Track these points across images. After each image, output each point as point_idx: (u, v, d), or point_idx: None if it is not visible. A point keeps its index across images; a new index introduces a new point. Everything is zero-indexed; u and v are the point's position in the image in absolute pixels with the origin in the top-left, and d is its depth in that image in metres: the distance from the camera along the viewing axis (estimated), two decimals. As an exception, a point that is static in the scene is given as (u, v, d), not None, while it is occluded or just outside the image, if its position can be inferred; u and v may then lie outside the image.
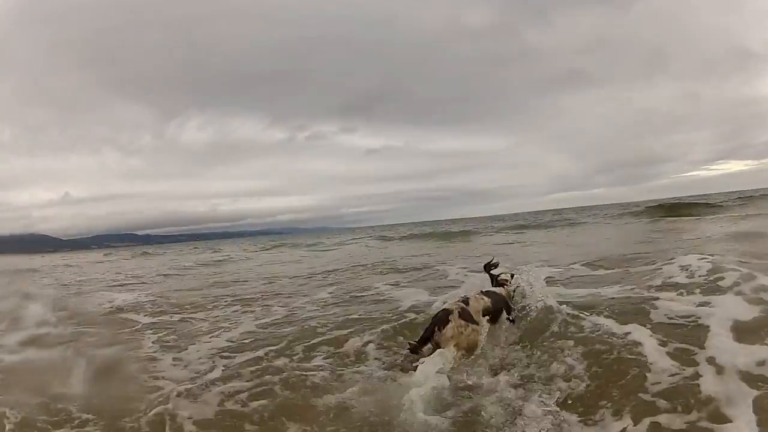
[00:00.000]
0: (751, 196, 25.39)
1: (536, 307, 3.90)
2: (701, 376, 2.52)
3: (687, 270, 4.72)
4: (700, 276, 4.41)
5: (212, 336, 4.55)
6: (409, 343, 3.41)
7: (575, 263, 6.93)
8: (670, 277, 4.70)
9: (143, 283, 10.70)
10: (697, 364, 2.64)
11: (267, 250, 25.91)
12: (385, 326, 4.15)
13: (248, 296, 6.93)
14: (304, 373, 3.15)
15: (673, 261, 5.27)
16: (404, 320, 4.34)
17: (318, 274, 9.46)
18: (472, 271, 6.80)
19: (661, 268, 5.16)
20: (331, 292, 6.62)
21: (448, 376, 2.83)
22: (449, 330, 3.27)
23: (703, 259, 4.92)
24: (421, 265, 9.36)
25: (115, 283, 11.04)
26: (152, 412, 2.64)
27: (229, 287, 8.35)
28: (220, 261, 17.24)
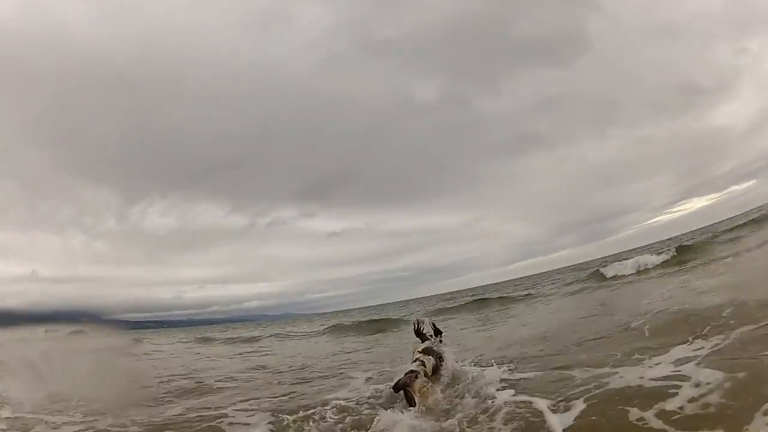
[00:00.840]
0: (711, 233, 24.60)
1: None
2: None
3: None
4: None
5: None
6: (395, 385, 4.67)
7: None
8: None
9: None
10: None
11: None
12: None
13: None
14: None
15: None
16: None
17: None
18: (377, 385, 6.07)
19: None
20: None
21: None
22: (417, 385, 4.66)
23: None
24: (331, 371, 8.43)
25: None
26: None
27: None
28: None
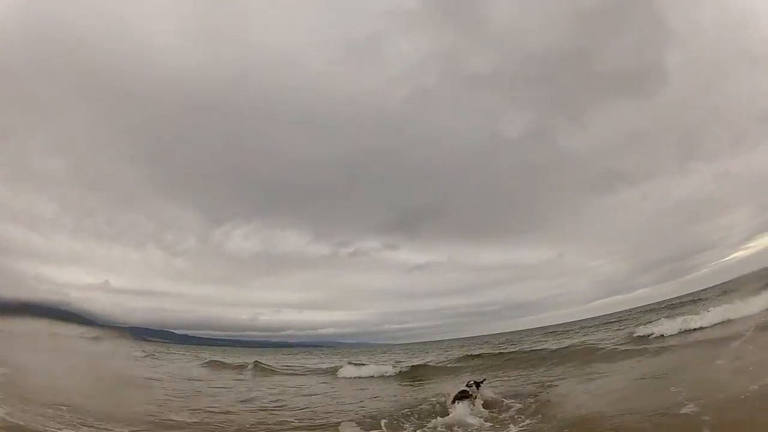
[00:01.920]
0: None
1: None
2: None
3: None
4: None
5: None
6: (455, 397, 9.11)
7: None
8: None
9: None
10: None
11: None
12: None
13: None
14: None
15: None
16: None
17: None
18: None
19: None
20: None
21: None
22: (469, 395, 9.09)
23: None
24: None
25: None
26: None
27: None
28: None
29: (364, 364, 20.31)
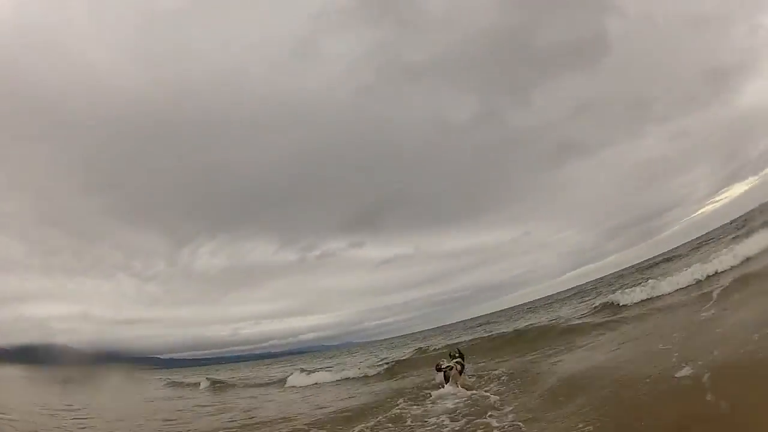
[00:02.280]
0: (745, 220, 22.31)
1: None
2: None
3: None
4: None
5: None
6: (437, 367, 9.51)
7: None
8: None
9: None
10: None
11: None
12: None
13: None
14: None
15: None
16: None
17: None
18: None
19: None
20: None
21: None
22: (451, 372, 8.76)
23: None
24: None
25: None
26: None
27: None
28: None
29: (315, 371, 18.67)
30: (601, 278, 34.81)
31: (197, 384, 22.41)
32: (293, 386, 16.50)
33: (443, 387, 8.71)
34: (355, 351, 41.85)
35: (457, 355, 9.47)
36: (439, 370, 9.34)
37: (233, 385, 20.98)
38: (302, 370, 18.78)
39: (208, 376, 25.33)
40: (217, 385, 21.12)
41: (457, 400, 7.63)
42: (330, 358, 37.65)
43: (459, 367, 8.87)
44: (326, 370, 18.77)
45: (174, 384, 25.58)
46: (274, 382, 19.05)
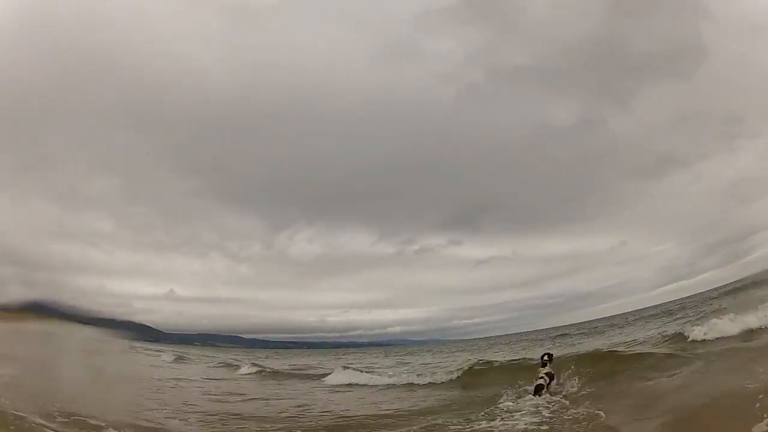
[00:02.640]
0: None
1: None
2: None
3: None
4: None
5: None
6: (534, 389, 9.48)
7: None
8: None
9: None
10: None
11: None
12: None
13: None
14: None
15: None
16: None
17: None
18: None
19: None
20: None
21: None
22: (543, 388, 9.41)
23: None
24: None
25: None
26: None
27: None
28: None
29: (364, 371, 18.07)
30: (691, 296, 31.88)
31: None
32: (332, 384, 16.29)
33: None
34: (438, 350, 42.06)
35: (546, 358, 10.33)
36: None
37: (277, 372, 21.70)
38: (345, 367, 18.65)
39: (255, 362, 26.17)
40: (259, 372, 21.92)
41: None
42: (408, 354, 37.68)
43: (547, 379, 9.65)
44: (382, 370, 18.65)
45: (222, 365, 26.97)
46: (320, 376, 18.72)
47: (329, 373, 17.94)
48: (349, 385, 15.77)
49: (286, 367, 26.45)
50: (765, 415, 4.69)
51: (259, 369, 23.14)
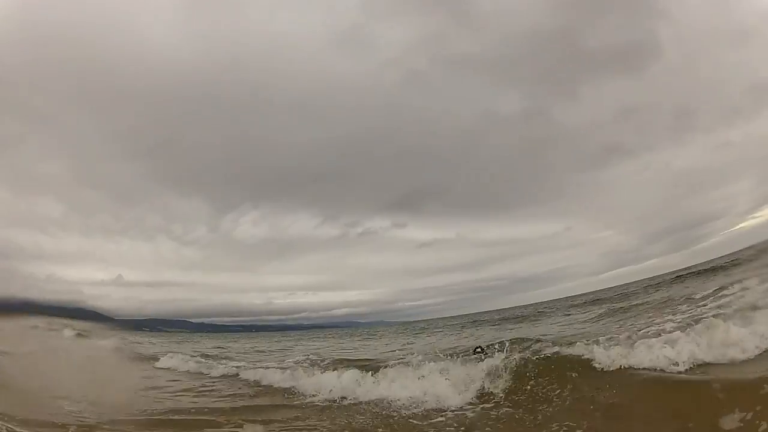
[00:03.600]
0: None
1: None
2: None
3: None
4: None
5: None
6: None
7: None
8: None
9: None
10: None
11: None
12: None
13: None
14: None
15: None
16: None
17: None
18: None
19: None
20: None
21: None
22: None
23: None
24: None
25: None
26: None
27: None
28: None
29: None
30: (638, 281, 33.30)
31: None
32: (162, 367, 15.62)
33: None
34: (383, 331, 42.10)
35: (479, 350, 10.14)
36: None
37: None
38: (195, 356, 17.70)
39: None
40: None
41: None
42: (347, 336, 37.54)
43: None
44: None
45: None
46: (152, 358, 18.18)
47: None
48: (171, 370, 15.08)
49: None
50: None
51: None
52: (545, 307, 35.87)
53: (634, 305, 17.44)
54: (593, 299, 29.06)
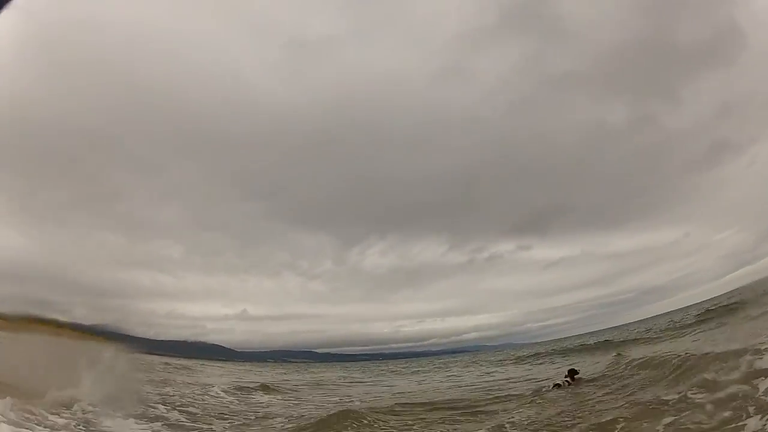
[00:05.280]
0: None
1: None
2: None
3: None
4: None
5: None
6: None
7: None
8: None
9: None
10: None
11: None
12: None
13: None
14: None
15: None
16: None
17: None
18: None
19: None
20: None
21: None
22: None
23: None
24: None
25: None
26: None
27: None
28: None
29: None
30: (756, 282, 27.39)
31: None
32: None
33: None
34: (511, 352, 42.14)
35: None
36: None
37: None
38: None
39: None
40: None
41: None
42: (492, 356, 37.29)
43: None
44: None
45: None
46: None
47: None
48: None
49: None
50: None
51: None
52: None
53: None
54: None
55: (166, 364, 28.55)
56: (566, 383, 12.49)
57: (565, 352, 26.71)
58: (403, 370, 38.07)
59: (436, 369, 34.40)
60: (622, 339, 26.89)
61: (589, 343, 31.51)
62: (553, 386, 12.46)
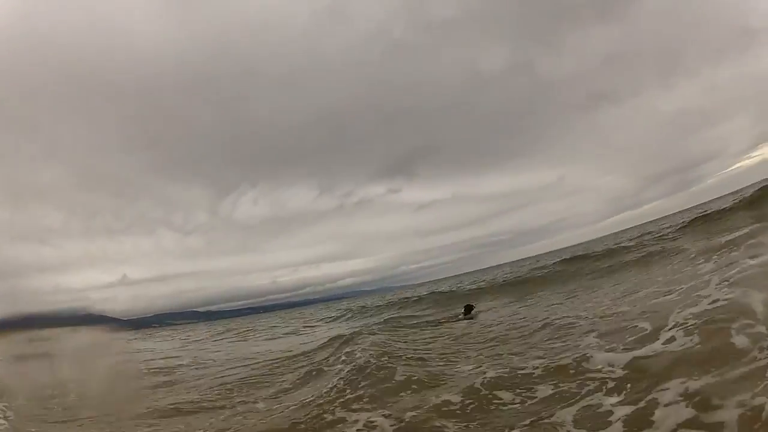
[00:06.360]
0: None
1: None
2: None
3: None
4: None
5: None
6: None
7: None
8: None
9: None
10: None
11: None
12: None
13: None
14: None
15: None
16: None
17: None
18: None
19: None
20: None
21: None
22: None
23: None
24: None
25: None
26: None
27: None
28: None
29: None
30: (638, 226, 31.82)
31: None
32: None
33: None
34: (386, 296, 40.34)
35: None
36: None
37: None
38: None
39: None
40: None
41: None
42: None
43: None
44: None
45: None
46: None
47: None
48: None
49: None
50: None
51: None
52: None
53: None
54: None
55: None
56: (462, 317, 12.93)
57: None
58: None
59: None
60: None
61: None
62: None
